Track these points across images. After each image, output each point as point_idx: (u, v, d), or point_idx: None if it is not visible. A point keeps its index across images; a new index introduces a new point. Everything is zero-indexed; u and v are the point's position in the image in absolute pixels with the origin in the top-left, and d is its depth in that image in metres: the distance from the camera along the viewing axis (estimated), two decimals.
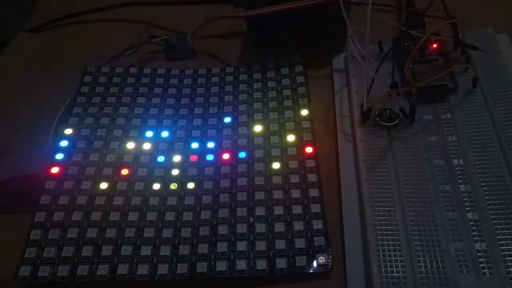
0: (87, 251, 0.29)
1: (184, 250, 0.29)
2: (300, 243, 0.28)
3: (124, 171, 0.33)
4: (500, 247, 0.26)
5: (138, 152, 0.34)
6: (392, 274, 0.26)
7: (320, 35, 0.38)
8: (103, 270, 0.28)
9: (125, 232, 0.30)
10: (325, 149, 0.33)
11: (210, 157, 0.34)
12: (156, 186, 0.32)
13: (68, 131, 0.36)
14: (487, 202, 0.27)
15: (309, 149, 0.33)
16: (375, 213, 0.28)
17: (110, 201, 0.31)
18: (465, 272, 0.25)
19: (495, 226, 0.26)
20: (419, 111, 0.32)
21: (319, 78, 0.38)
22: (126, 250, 0.29)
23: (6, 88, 0.41)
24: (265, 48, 0.41)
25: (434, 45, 0.35)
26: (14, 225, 0.31)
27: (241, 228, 0.29)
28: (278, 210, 0.30)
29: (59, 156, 0.34)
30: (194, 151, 0.34)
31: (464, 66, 0.34)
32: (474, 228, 0.27)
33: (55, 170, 0.33)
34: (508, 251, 0.25)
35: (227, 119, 0.36)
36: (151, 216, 0.31)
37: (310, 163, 0.32)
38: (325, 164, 0.33)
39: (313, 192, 0.31)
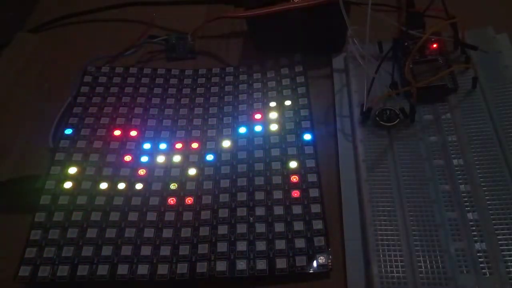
0: (87, 251, 0.29)
1: (184, 250, 0.29)
2: (300, 243, 0.28)
3: (124, 171, 0.33)
4: (500, 247, 0.26)
5: (138, 152, 0.34)
6: (392, 274, 0.26)
7: (320, 35, 0.38)
8: (103, 270, 0.28)
9: (125, 232, 0.30)
10: (325, 149, 0.33)
11: (210, 157, 0.34)
12: (156, 186, 0.32)
13: (68, 131, 0.36)
14: (487, 202, 0.27)
15: (309, 149, 0.33)
16: (375, 213, 0.28)
17: (110, 201, 0.31)
18: (465, 272, 0.25)
19: (495, 226, 0.26)
20: (419, 111, 0.32)
21: (319, 78, 0.38)
22: (126, 250, 0.29)
23: (6, 88, 0.41)
24: (265, 48, 0.41)
25: (434, 45, 0.35)
26: (14, 225, 0.31)
27: (241, 228, 0.29)
28: (278, 210, 0.30)
29: (59, 156, 0.34)
30: (194, 151, 0.34)
31: (464, 66, 0.34)
32: (474, 228, 0.27)
33: (55, 170, 0.33)
34: (508, 251, 0.25)
35: (227, 120, 0.36)
36: (151, 216, 0.31)
37: (310, 163, 0.32)
38: (325, 164, 0.33)
39: (313, 192, 0.31)
